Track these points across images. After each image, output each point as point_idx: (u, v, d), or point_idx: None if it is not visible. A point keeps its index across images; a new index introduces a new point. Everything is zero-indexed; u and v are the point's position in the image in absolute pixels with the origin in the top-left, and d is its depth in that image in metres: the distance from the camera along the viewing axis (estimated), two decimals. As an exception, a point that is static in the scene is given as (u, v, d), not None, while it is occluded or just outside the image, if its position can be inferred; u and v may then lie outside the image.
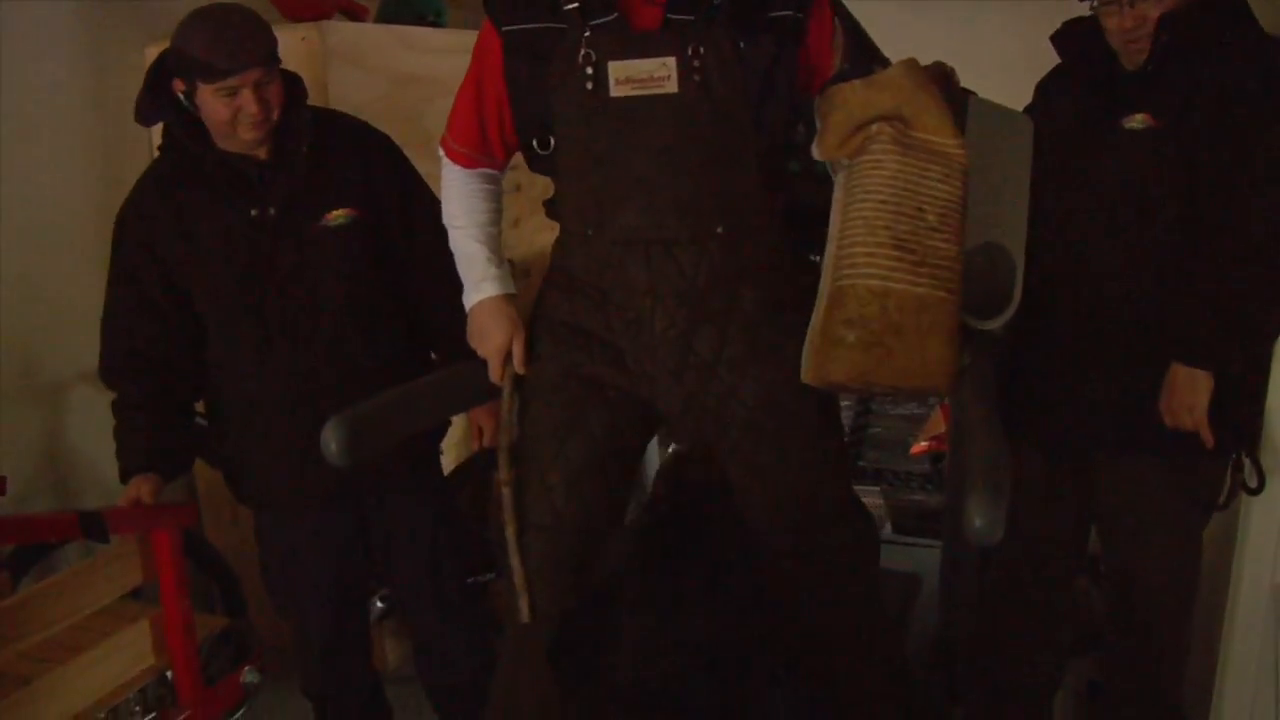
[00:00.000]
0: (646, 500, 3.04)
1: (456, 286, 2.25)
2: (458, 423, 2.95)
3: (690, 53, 1.94)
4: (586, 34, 1.96)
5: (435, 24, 3.84)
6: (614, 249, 2.05)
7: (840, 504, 2.18)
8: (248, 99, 2.27)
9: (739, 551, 2.37)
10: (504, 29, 2.04)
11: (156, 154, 2.53)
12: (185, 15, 2.27)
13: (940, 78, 2.03)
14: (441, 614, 2.82)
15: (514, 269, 2.31)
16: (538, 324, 2.20)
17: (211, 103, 2.29)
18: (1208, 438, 2.24)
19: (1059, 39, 2.46)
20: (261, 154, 2.40)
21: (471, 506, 3.45)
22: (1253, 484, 2.31)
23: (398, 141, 2.63)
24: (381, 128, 2.63)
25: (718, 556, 2.59)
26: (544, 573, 2.16)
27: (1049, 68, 2.55)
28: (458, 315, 2.26)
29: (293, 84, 2.42)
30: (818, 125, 2.02)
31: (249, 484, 2.64)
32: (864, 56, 2.08)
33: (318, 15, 3.33)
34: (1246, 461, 2.32)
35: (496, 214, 2.26)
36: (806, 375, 1.93)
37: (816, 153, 2.01)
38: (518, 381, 2.20)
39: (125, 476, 2.52)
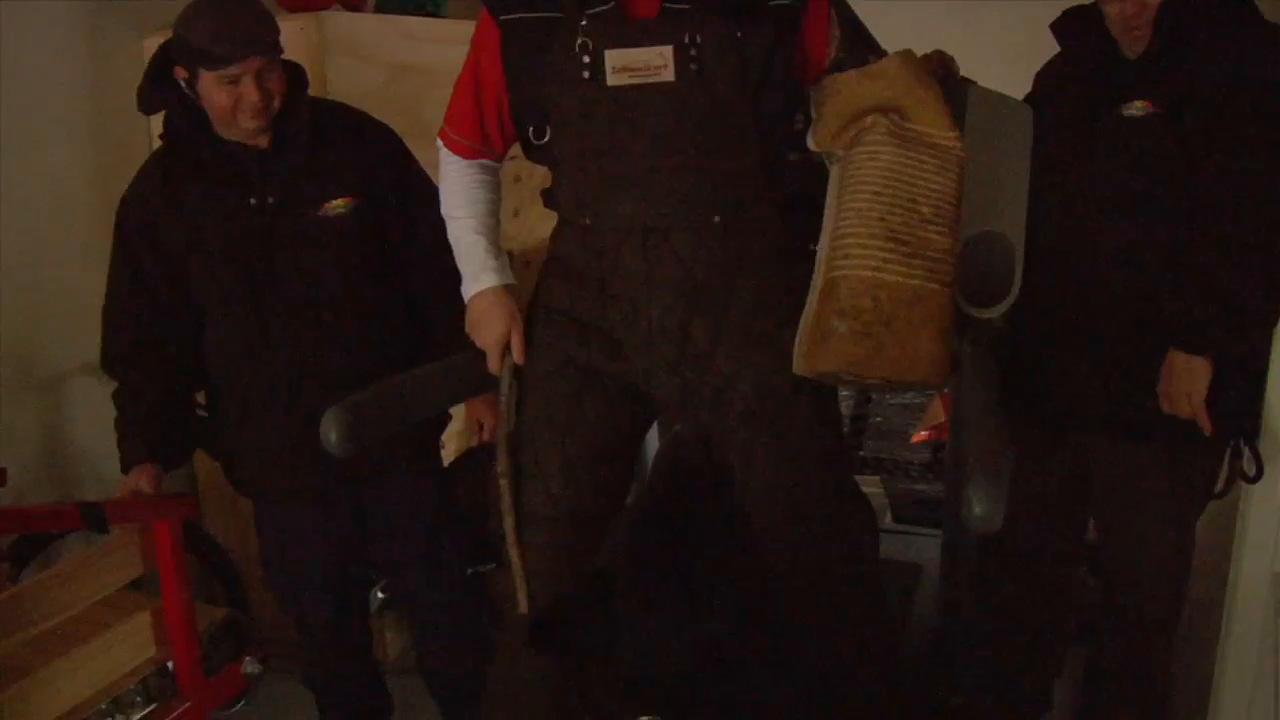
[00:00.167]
0: (644, 486, 3.04)
1: (456, 277, 2.25)
2: (457, 415, 2.95)
3: (687, 41, 1.94)
4: (583, 23, 1.96)
5: (433, 14, 3.84)
6: (611, 238, 2.05)
7: (839, 493, 2.18)
8: (249, 87, 2.28)
9: (737, 538, 2.37)
10: (501, 19, 2.04)
11: (154, 144, 2.53)
12: (187, 4, 2.27)
13: (939, 66, 2.03)
14: (441, 605, 2.83)
15: (513, 260, 2.31)
16: (535, 314, 2.20)
17: (213, 90, 2.29)
18: (1206, 425, 2.24)
19: (1059, 27, 2.46)
20: (262, 143, 2.40)
21: (471, 498, 3.45)
22: (1251, 472, 2.31)
23: (397, 132, 2.62)
24: (380, 118, 2.62)
25: (716, 543, 2.59)
26: (542, 563, 2.16)
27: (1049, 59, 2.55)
28: (457, 306, 2.26)
29: (294, 73, 2.43)
30: (813, 115, 2.02)
31: (247, 474, 2.65)
32: (860, 46, 2.08)
33: (316, 6, 3.32)
34: (1245, 450, 2.32)
35: (495, 204, 2.26)
36: (798, 366, 1.93)
37: (812, 143, 2.02)
38: (516, 372, 2.20)
39: (126, 467, 2.53)
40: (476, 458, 3.09)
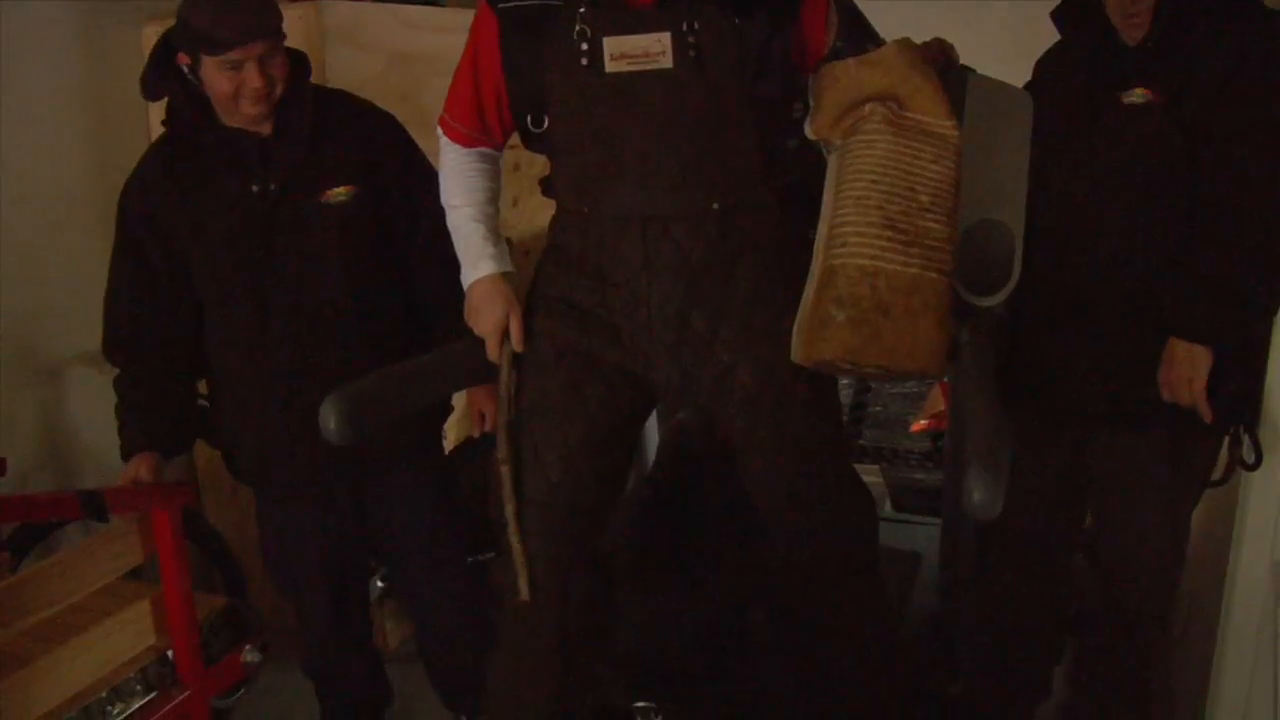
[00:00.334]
0: (646, 473, 3.04)
1: (456, 266, 2.25)
2: (459, 404, 2.95)
3: (685, 28, 1.94)
4: (581, 10, 1.96)
5: (433, 2, 3.83)
6: (610, 226, 2.05)
7: (839, 481, 2.18)
8: (251, 72, 2.28)
9: (738, 526, 2.38)
10: (499, 7, 2.04)
11: (153, 133, 2.53)
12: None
13: (938, 54, 2.03)
14: (442, 595, 2.83)
15: (512, 248, 2.30)
16: (534, 301, 2.20)
17: (215, 76, 2.29)
18: (1206, 413, 2.24)
19: (1059, 15, 2.46)
20: (264, 129, 2.40)
21: (471, 486, 3.45)
22: (1250, 460, 2.31)
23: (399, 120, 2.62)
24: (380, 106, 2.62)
25: (717, 530, 2.60)
26: (543, 550, 2.16)
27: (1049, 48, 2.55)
28: (457, 294, 2.25)
29: (297, 60, 2.43)
30: (811, 103, 2.02)
31: (248, 463, 2.65)
32: (859, 34, 2.07)
33: (316, -6, 3.32)
34: (1244, 438, 2.32)
35: (494, 193, 2.25)
36: (796, 354, 1.92)
37: (810, 131, 2.01)
38: (515, 359, 2.20)
39: (126, 454, 2.53)
40: (477, 446, 3.10)
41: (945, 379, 3.42)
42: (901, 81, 1.92)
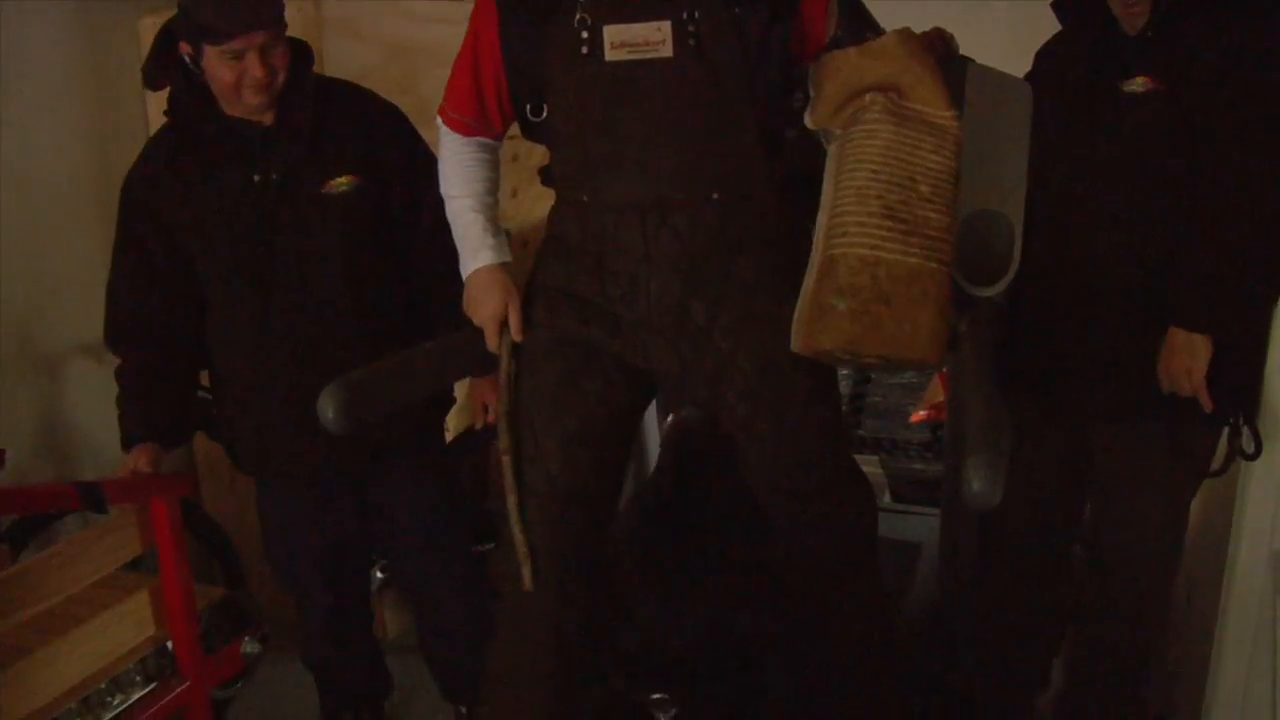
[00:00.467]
0: (652, 469, 3.04)
1: (457, 257, 2.25)
2: (460, 395, 2.95)
3: (685, 17, 1.93)
4: None
5: (432, -8, 3.82)
6: (609, 215, 2.05)
7: (839, 472, 2.18)
8: (253, 62, 2.27)
9: (741, 521, 2.38)
10: None
11: (151, 124, 2.52)
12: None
13: (938, 44, 2.02)
14: (443, 584, 2.83)
15: (511, 239, 2.30)
16: (533, 291, 2.20)
17: (217, 66, 2.28)
18: (1206, 402, 2.24)
19: (1059, 5, 2.45)
20: (266, 119, 2.40)
21: (474, 476, 3.45)
22: (1250, 450, 2.31)
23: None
24: (378, 98, 2.61)
25: (720, 525, 2.60)
26: (544, 541, 2.16)
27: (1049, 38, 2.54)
28: (458, 285, 2.25)
29: (299, 50, 2.42)
30: (811, 93, 2.01)
31: (249, 454, 2.65)
32: (859, 23, 2.07)
33: (314, -14, 3.32)
34: (1244, 428, 2.32)
35: (494, 183, 2.25)
36: (796, 344, 1.92)
37: (810, 121, 2.01)
38: (514, 349, 2.20)
39: (126, 445, 2.53)
40: (477, 438, 3.10)
41: (944, 369, 3.43)
42: (902, 71, 1.91)
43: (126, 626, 2.47)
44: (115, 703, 2.46)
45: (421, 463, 2.73)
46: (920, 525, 3.56)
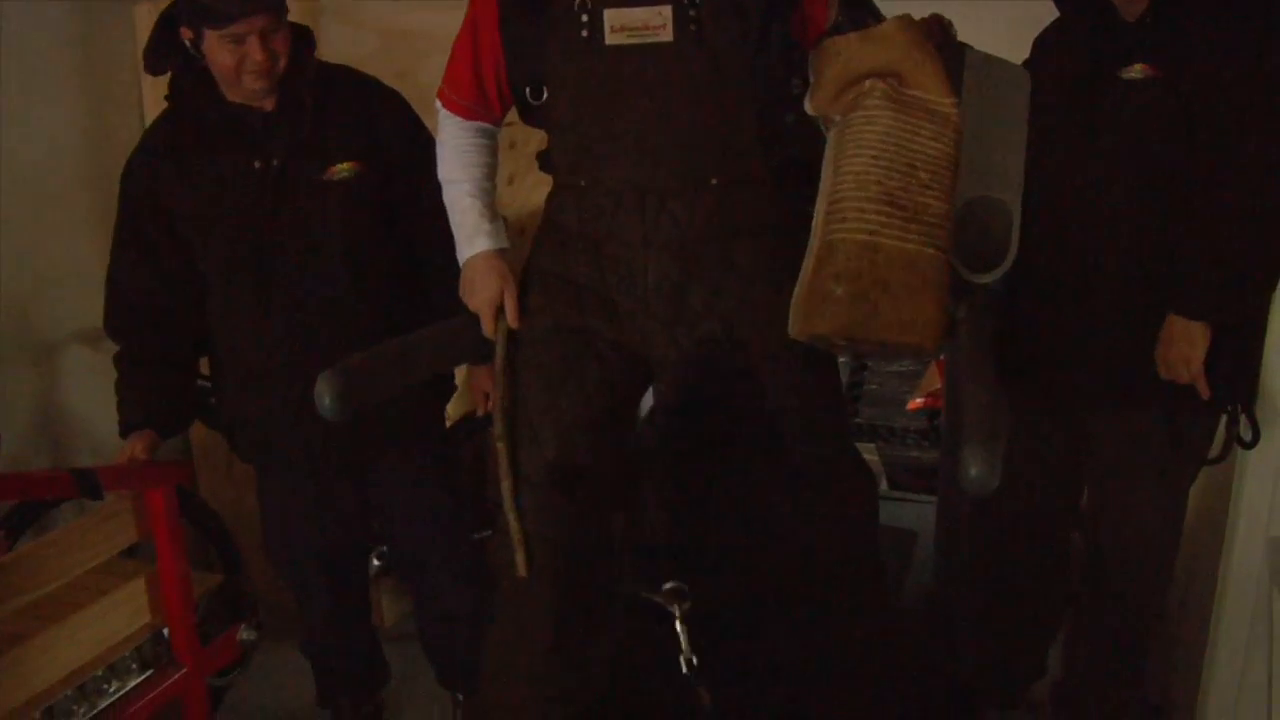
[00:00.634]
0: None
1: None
2: (459, 380, 2.95)
3: (686, 1, 1.93)
4: None
5: (429, -21, 3.81)
6: (607, 200, 2.05)
7: (840, 459, 2.18)
8: (254, 47, 2.27)
9: (733, 502, 2.37)
10: None
11: (147, 111, 2.51)
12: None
13: (936, 30, 2.02)
14: (441, 572, 2.83)
15: (507, 226, 2.30)
16: (530, 278, 2.20)
17: (218, 50, 2.28)
18: (1204, 390, 2.23)
19: (1058, -8, 2.45)
20: (267, 105, 2.40)
21: (474, 464, 3.45)
22: (1247, 438, 2.31)
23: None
24: (375, 84, 2.60)
25: (712, 507, 2.59)
26: (540, 527, 2.16)
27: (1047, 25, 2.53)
28: (458, 272, 2.25)
29: (300, 35, 2.41)
30: (811, 79, 2.01)
31: (249, 440, 2.65)
32: (859, 9, 2.07)
33: (310, -29, 3.30)
34: (1242, 415, 2.31)
35: (491, 169, 2.25)
36: (794, 329, 1.92)
37: (809, 107, 2.00)
38: (511, 336, 2.19)
39: (124, 431, 2.53)
40: (475, 423, 3.10)
41: (941, 357, 3.42)
42: (903, 58, 1.91)
43: (123, 613, 2.47)
44: (112, 690, 2.46)
45: (421, 451, 2.73)
46: (917, 513, 3.56)
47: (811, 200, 1.97)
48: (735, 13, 1.94)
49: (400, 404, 2.42)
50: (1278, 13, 2.17)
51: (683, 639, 2.03)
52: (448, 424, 3.00)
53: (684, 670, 2.07)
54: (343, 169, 2.44)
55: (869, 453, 4.11)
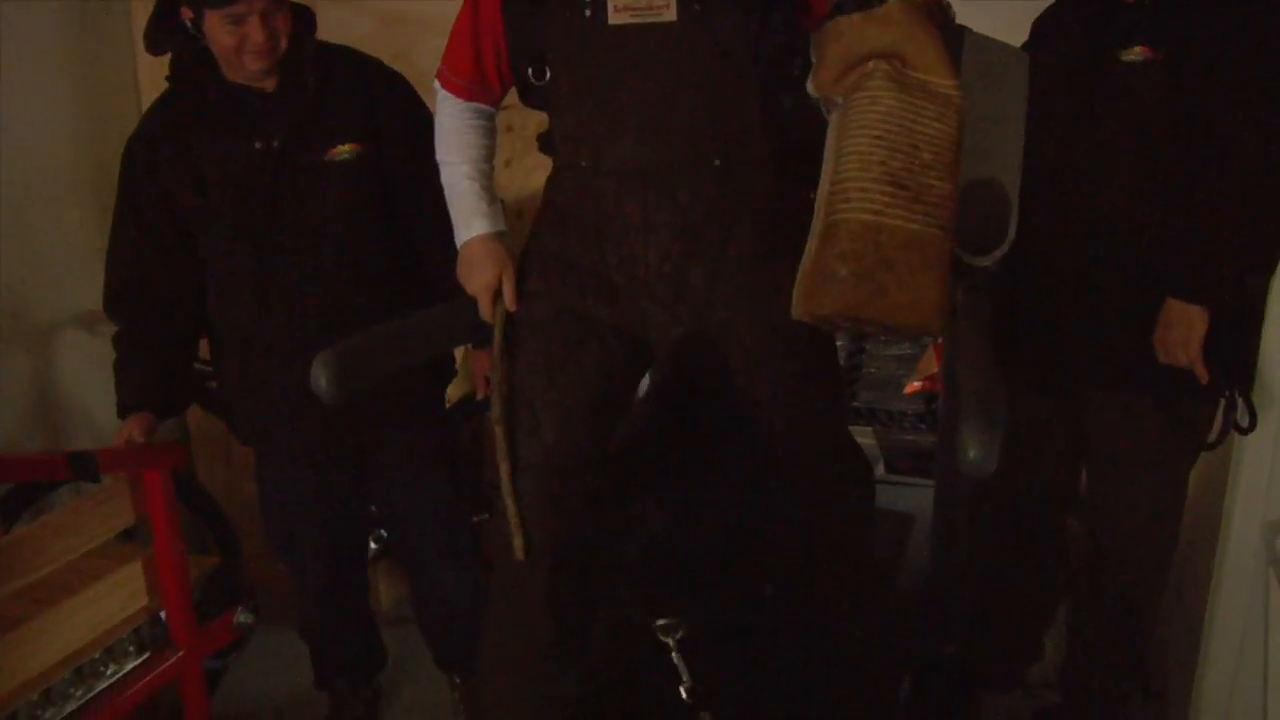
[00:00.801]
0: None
1: None
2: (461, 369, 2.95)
3: None
4: None
5: (425, -38, 3.80)
6: (608, 181, 2.04)
7: (836, 445, 2.18)
8: (254, 27, 2.26)
9: (728, 485, 2.36)
10: None
11: (143, 97, 2.51)
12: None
13: (935, 12, 2.01)
14: (440, 555, 2.83)
15: (505, 209, 2.29)
16: (530, 260, 2.19)
17: (218, 31, 2.28)
18: (1202, 374, 2.23)
19: (1057, -25, 2.44)
20: (268, 86, 2.39)
21: (472, 446, 3.45)
22: (1245, 423, 2.31)
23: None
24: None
25: (706, 491, 2.58)
26: (538, 511, 2.16)
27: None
28: (455, 255, 2.24)
29: (301, 16, 2.41)
30: (814, 59, 2.00)
31: (249, 423, 2.65)
32: None
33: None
34: (1239, 400, 2.31)
35: (489, 150, 2.24)
36: (797, 309, 1.91)
37: (811, 88, 1.99)
38: (509, 319, 2.19)
39: (122, 412, 2.53)
40: (474, 405, 3.09)
41: (939, 340, 3.42)
42: (906, 39, 1.90)
43: (120, 596, 2.47)
44: (109, 673, 2.46)
45: (421, 433, 2.73)
46: (914, 497, 3.57)
47: (812, 183, 1.97)
48: None
49: (399, 386, 2.42)
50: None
51: (681, 670, 2.02)
52: (446, 406, 3.00)
53: (684, 698, 2.06)
54: (343, 150, 2.44)
55: (866, 436, 4.11)
